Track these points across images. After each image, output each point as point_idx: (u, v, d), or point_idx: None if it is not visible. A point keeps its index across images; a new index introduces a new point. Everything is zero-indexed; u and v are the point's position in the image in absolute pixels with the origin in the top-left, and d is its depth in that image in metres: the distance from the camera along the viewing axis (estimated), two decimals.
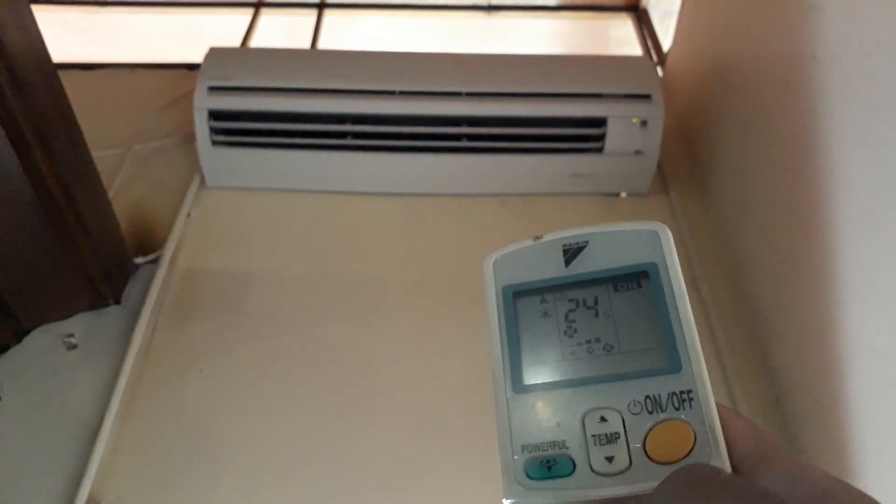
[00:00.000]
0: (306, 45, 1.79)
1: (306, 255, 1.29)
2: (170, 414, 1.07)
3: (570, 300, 0.31)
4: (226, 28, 1.86)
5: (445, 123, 1.31)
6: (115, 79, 1.67)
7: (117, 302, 1.20)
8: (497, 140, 1.31)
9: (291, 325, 1.18)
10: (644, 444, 0.28)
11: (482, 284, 0.34)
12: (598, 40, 1.86)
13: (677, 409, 0.28)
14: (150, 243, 1.29)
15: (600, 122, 1.28)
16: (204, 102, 1.30)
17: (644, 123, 1.27)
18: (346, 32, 1.86)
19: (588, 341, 0.30)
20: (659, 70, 1.64)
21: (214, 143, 1.33)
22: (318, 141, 1.32)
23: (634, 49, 1.77)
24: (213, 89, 1.31)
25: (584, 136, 1.30)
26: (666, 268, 0.30)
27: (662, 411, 0.28)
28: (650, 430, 0.28)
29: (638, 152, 1.30)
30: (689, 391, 0.28)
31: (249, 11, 1.90)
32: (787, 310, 1.06)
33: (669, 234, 0.32)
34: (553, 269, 0.32)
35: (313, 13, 1.90)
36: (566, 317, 0.31)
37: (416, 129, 1.31)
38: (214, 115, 1.31)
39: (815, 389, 0.97)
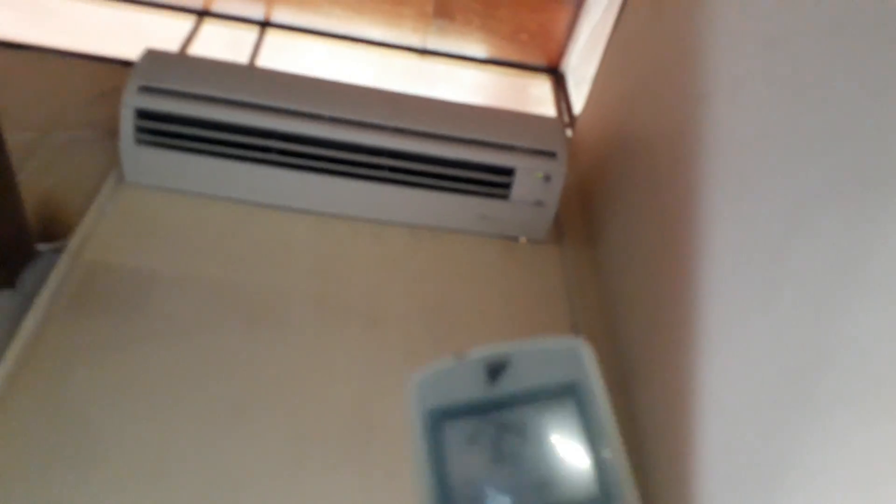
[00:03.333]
0: (245, 60, 1.83)
1: (216, 262, 1.32)
2: (50, 407, 1.06)
3: (497, 424, 0.31)
4: (166, 31, 1.88)
5: (368, 153, 1.38)
6: (43, 63, 1.65)
7: (11, 286, 1.19)
8: (415, 175, 1.40)
9: (190, 331, 1.20)
10: None
11: (406, 407, 0.33)
12: (518, 96, 2.00)
13: None
14: (56, 232, 1.29)
15: (509, 172, 1.39)
16: (133, 100, 1.32)
17: (547, 178, 1.39)
18: (286, 54, 1.92)
19: (519, 472, 0.30)
20: (568, 131, 1.78)
21: (138, 141, 1.35)
22: (242, 152, 1.36)
23: (549, 108, 1.92)
24: (143, 89, 1.33)
25: (494, 182, 1.41)
26: (590, 386, 0.31)
27: None
28: None
29: (539, 203, 1.42)
30: None
31: (192, 18, 1.92)
32: (655, 365, 1.14)
33: (591, 350, 0.33)
34: (477, 389, 0.32)
35: (256, 30, 1.95)
36: (494, 443, 0.31)
37: (340, 154, 1.37)
38: (142, 114, 1.33)
39: (671, 440, 1.04)
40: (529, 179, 1.40)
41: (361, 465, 1.08)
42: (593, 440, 0.29)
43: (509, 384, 0.31)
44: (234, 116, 1.34)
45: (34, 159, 1.40)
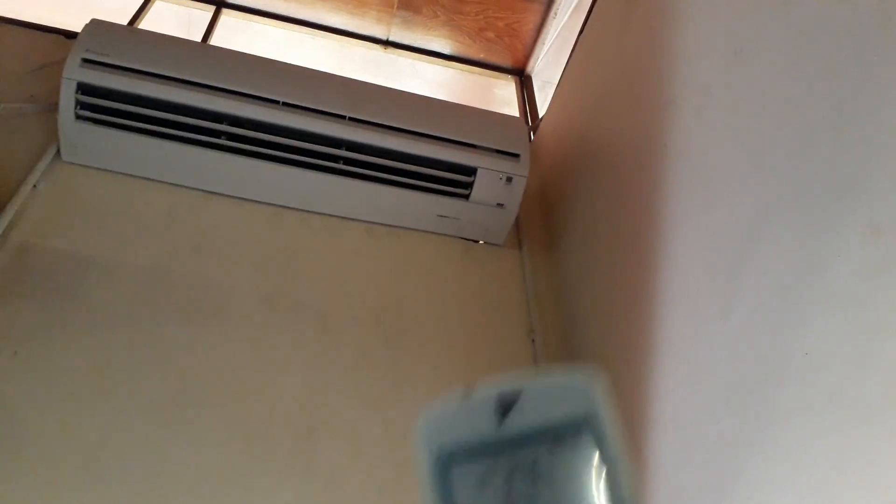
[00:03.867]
0: (198, 39, 1.75)
1: (158, 248, 1.25)
2: None
3: (509, 465, 0.30)
4: (116, 3, 1.78)
5: (325, 143, 1.33)
6: None
7: None
8: (373, 169, 1.36)
9: (128, 320, 1.13)
10: None
11: (413, 450, 0.31)
12: (483, 95, 1.98)
13: None
14: None
15: (470, 171, 1.36)
16: (75, 73, 1.24)
17: (509, 180, 1.37)
18: (241, 35, 1.85)
19: None
20: (531, 134, 1.77)
21: (79, 116, 1.26)
22: (190, 135, 1.30)
23: (514, 110, 1.90)
24: (87, 62, 1.25)
25: (454, 181, 1.38)
26: (605, 421, 0.30)
27: None
28: None
29: (500, 205, 1.40)
30: None
31: None
32: (610, 373, 1.15)
33: (605, 382, 0.31)
34: (487, 427, 0.31)
35: (211, 9, 1.86)
36: (506, 485, 0.29)
37: (294, 143, 1.32)
38: (84, 88, 1.25)
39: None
40: (491, 180, 1.37)
41: (305, 468, 1.04)
42: (609, 479, 0.28)
43: (520, 421, 0.30)
44: (183, 96, 1.27)
45: None
